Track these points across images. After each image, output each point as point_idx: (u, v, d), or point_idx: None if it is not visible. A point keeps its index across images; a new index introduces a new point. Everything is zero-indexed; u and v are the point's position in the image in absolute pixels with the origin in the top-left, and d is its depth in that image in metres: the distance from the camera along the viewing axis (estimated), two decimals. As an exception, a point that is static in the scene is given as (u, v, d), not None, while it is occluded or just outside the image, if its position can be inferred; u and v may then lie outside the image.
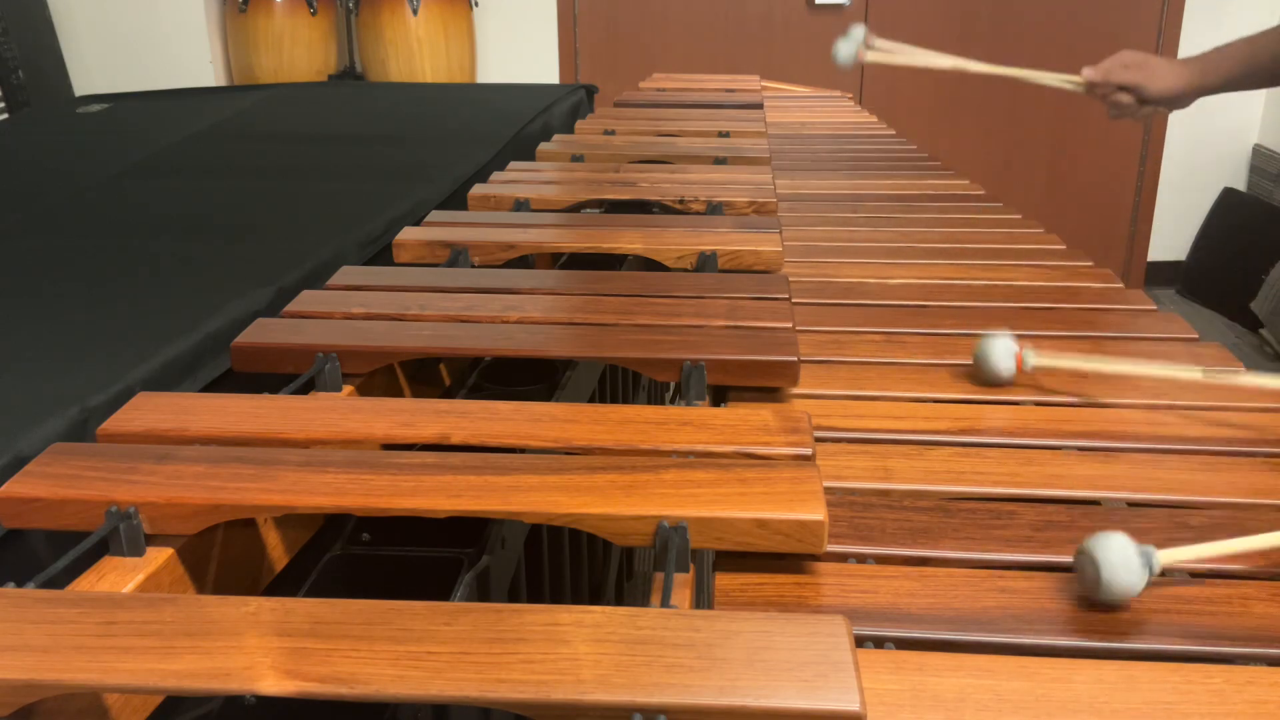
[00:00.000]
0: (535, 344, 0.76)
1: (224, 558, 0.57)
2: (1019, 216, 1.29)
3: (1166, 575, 0.55)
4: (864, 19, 3.42)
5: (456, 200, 1.33)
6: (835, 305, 0.98)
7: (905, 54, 1.44)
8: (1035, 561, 0.57)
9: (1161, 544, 0.58)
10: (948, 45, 3.60)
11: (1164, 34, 3.36)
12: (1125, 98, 1.35)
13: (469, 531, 0.62)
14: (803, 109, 2.08)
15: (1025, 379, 0.80)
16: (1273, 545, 0.56)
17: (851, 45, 1.38)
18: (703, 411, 0.65)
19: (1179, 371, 0.78)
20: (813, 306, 0.97)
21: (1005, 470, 0.67)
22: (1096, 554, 0.52)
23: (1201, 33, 3.31)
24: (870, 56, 1.40)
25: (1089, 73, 1.37)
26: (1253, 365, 0.90)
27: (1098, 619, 0.52)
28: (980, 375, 0.79)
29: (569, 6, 3.41)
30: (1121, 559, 0.52)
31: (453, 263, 0.96)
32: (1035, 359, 0.78)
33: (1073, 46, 3.41)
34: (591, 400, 1.01)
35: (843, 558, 0.57)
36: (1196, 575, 0.56)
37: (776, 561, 0.55)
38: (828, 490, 0.55)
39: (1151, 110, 1.38)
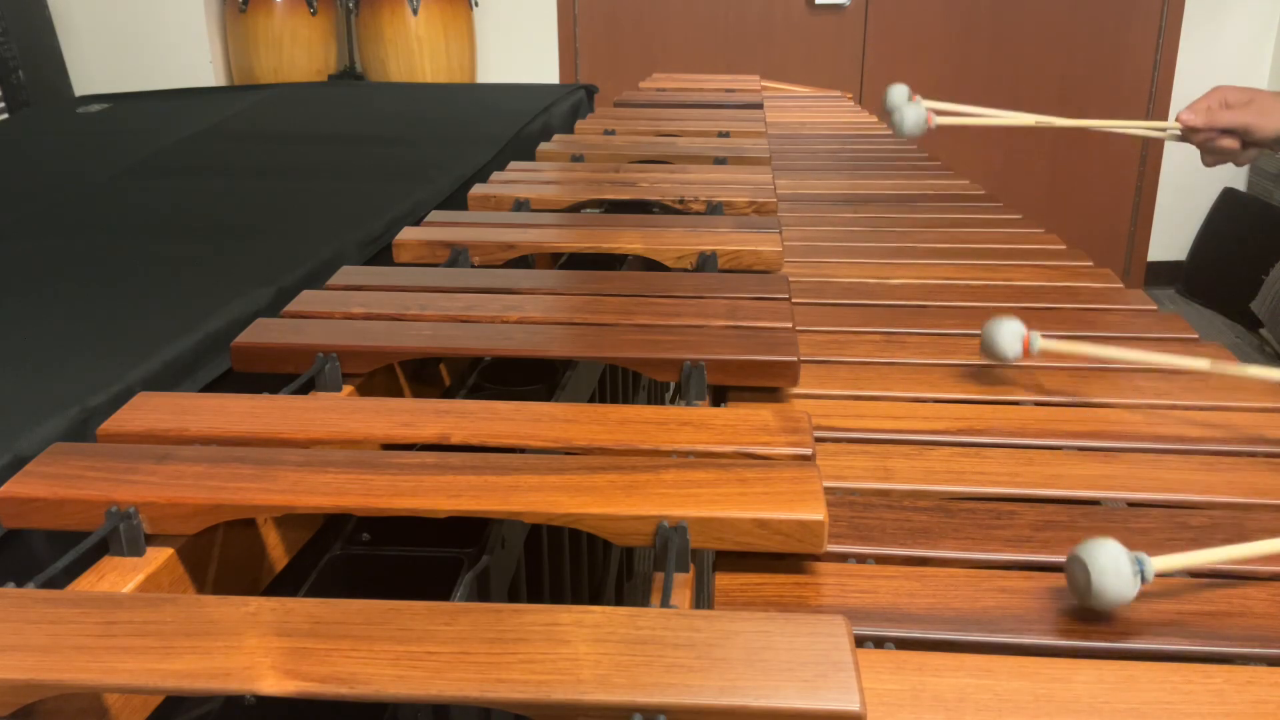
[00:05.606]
0: (535, 344, 0.76)
1: (224, 558, 0.57)
2: (1019, 216, 1.29)
3: (1163, 577, 0.54)
4: (864, 19, 3.42)
5: (456, 200, 1.33)
6: (835, 305, 0.98)
7: (970, 113, 1.25)
8: (1035, 561, 0.57)
9: (1160, 545, 0.58)
10: (948, 45, 3.62)
11: (1164, 35, 3.36)
12: (1230, 142, 1.17)
13: (469, 531, 0.62)
14: (802, 109, 2.08)
15: (1027, 379, 0.80)
16: (1268, 551, 0.56)
17: (917, 111, 1.18)
18: (703, 411, 0.65)
19: (1184, 362, 0.78)
20: (813, 306, 0.97)
21: (1005, 470, 0.67)
22: (1087, 560, 0.51)
23: (1202, 33, 3.31)
24: (939, 120, 1.19)
25: (1188, 116, 1.17)
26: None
27: (1098, 619, 0.52)
28: (987, 355, 0.79)
29: (569, 6, 3.42)
30: (1112, 566, 0.51)
31: (453, 263, 0.96)
32: (1042, 342, 0.78)
33: (1073, 46, 3.41)
34: (591, 400, 1.01)
35: (843, 558, 0.57)
36: (1196, 575, 0.56)
37: (776, 561, 0.55)
38: (828, 490, 0.55)
39: (1255, 154, 1.20)
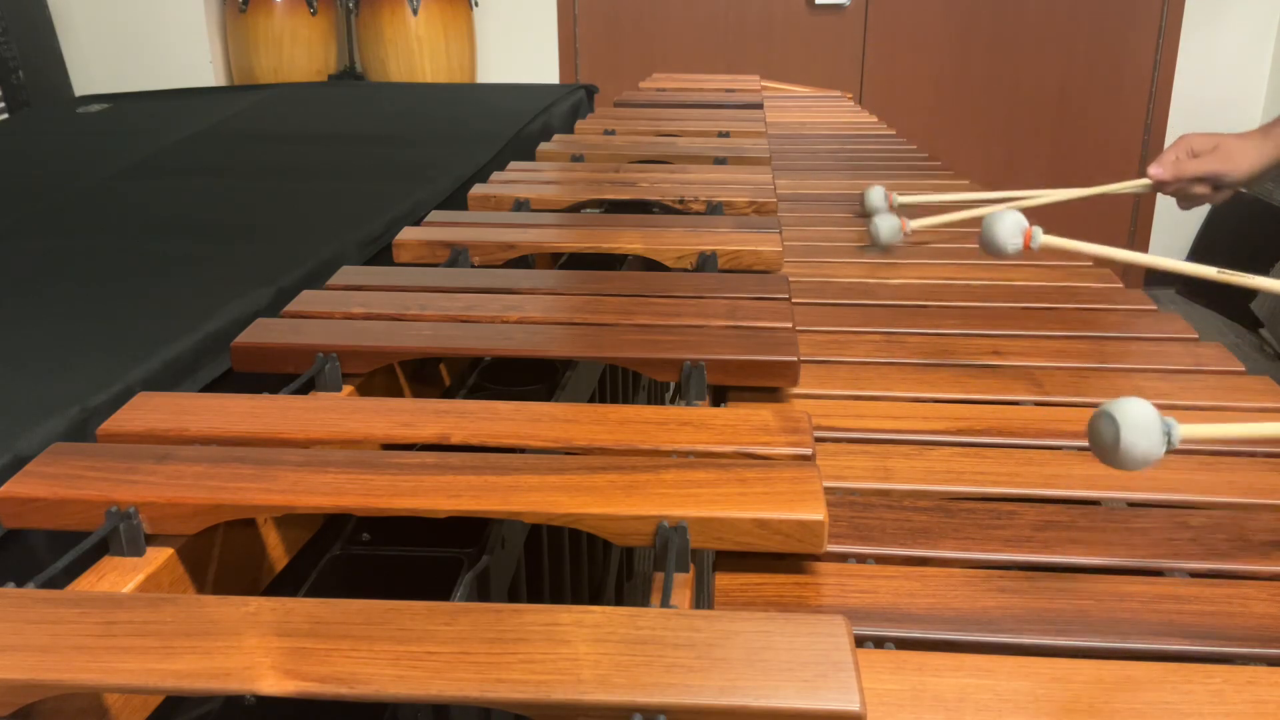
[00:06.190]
0: (535, 344, 0.76)
1: (224, 558, 0.57)
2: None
3: (1185, 444, 0.53)
4: (864, 19, 3.42)
5: (456, 200, 1.33)
6: (835, 305, 0.98)
7: (943, 210, 1.20)
8: (1035, 561, 0.57)
9: (1160, 545, 0.58)
10: (948, 45, 3.61)
11: (1164, 35, 3.36)
12: (1202, 189, 1.20)
13: (469, 531, 0.62)
14: (803, 109, 2.08)
15: (1027, 379, 0.80)
16: None
17: (890, 221, 1.12)
18: (703, 411, 0.65)
19: (1194, 269, 0.77)
20: (813, 306, 0.97)
21: (1005, 470, 0.67)
22: (1117, 415, 0.49)
23: (1202, 33, 3.31)
24: (914, 224, 1.14)
25: (1156, 171, 1.20)
26: (1253, 365, 0.90)
27: (1098, 619, 0.52)
28: (987, 251, 0.78)
29: (569, 6, 3.42)
30: (1143, 422, 0.49)
31: (453, 263, 0.96)
32: (1044, 238, 0.77)
33: (1073, 46, 3.41)
34: (591, 400, 1.01)
35: (843, 558, 0.57)
36: (1196, 575, 0.56)
37: (776, 561, 0.55)
38: (828, 490, 0.55)
39: (1229, 194, 1.22)
